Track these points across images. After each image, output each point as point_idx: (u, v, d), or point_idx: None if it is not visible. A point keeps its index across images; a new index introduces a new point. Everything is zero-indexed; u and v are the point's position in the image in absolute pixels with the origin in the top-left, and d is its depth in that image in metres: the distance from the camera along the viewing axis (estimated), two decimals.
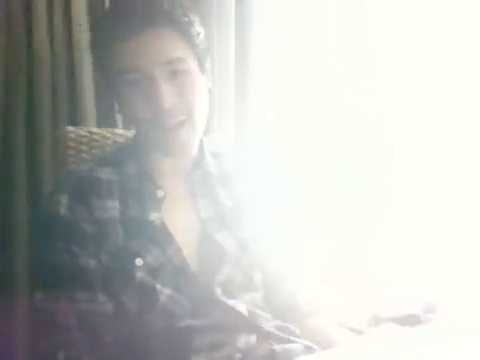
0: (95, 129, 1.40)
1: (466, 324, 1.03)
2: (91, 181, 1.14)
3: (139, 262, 1.09)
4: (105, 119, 1.50)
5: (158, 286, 1.09)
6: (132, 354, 1.09)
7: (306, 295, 1.28)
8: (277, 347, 1.10)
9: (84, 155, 1.33)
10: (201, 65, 1.16)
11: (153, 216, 1.14)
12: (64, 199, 1.11)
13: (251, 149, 1.59)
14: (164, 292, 1.09)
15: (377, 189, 1.77)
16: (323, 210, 1.75)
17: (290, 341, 1.13)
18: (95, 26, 1.20)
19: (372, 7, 1.74)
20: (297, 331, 1.17)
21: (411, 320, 1.14)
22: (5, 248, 1.46)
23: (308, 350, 1.12)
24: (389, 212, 1.75)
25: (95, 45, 1.17)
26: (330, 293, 1.34)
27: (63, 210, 1.10)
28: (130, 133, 1.34)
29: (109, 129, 1.41)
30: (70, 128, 1.35)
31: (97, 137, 1.36)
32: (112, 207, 1.12)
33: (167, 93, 1.08)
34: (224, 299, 1.12)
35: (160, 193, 1.16)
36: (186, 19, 1.12)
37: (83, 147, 1.34)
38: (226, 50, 1.57)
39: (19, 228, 1.46)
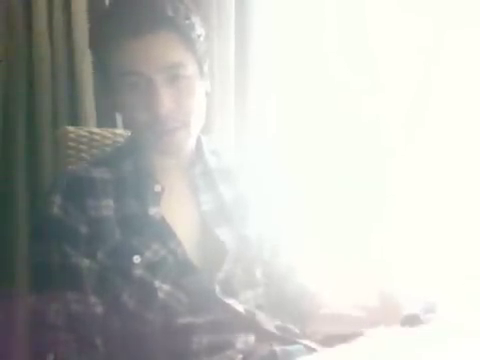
0: (95, 129, 1.40)
1: (466, 325, 1.03)
2: (85, 181, 1.14)
3: (137, 259, 1.09)
4: (105, 119, 1.50)
5: (157, 282, 1.09)
6: (130, 353, 1.09)
7: (304, 293, 1.28)
8: (277, 348, 1.09)
9: (84, 155, 1.33)
10: (200, 70, 1.16)
11: (152, 211, 1.14)
12: (58, 199, 1.11)
13: (251, 148, 1.60)
14: (163, 288, 1.09)
15: (377, 190, 1.77)
16: (323, 210, 1.75)
17: (290, 342, 1.13)
18: (96, 24, 1.19)
19: (372, 8, 1.75)
20: (297, 331, 1.17)
21: (411, 320, 1.14)
22: (5, 248, 1.46)
23: (309, 350, 1.11)
24: (389, 213, 1.75)
25: (95, 44, 1.17)
26: (330, 293, 1.34)
27: (56, 210, 1.10)
28: (129, 133, 1.34)
29: (109, 129, 1.41)
30: (70, 128, 1.35)
31: (97, 137, 1.37)
32: (106, 206, 1.13)
33: (165, 98, 1.09)
34: (222, 297, 1.12)
35: (157, 188, 1.16)
36: (188, 22, 1.12)
37: (83, 147, 1.34)
38: (226, 50, 1.57)
39: (19, 228, 1.47)
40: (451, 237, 1.65)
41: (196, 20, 1.15)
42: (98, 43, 1.15)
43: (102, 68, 1.16)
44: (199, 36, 1.15)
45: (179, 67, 1.11)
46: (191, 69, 1.13)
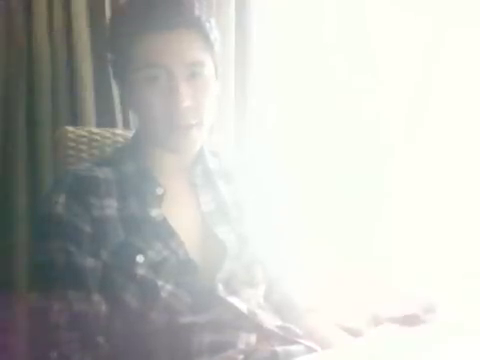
0: (95, 129, 1.40)
1: (466, 324, 1.03)
2: (89, 180, 1.14)
3: (140, 259, 1.09)
4: (105, 119, 1.50)
5: (159, 282, 1.09)
6: (133, 352, 1.09)
7: (303, 294, 1.29)
8: (278, 348, 1.10)
9: (84, 155, 1.33)
10: (216, 71, 1.18)
11: (154, 212, 1.14)
12: (61, 198, 1.11)
13: (251, 148, 1.60)
14: (165, 288, 1.10)
15: (377, 189, 1.77)
16: (323, 210, 1.75)
17: (291, 342, 1.13)
18: (119, 16, 1.19)
19: (372, 6, 1.75)
20: (299, 331, 1.17)
21: (411, 320, 1.14)
22: (5, 248, 1.46)
23: (310, 351, 1.12)
24: (389, 212, 1.75)
25: (116, 37, 1.16)
26: (330, 293, 1.34)
27: (60, 209, 1.10)
28: (130, 133, 1.34)
29: (109, 129, 1.41)
30: (70, 128, 1.35)
31: (97, 137, 1.37)
32: (110, 205, 1.13)
33: (185, 93, 1.10)
34: (224, 296, 1.12)
35: (159, 191, 1.16)
36: (209, 24, 1.16)
37: (83, 147, 1.34)
38: (226, 50, 1.57)
39: (19, 228, 1.47)
40: (451, 236, 1.65)
41: (214, 24, 1.17)
42: (120, 36, 1.15)
43: (119, 63, 1.16)
44: (216, 39, 1.17)
45: (200, 65, 1.13)
46: (209, 69, 1.15)
